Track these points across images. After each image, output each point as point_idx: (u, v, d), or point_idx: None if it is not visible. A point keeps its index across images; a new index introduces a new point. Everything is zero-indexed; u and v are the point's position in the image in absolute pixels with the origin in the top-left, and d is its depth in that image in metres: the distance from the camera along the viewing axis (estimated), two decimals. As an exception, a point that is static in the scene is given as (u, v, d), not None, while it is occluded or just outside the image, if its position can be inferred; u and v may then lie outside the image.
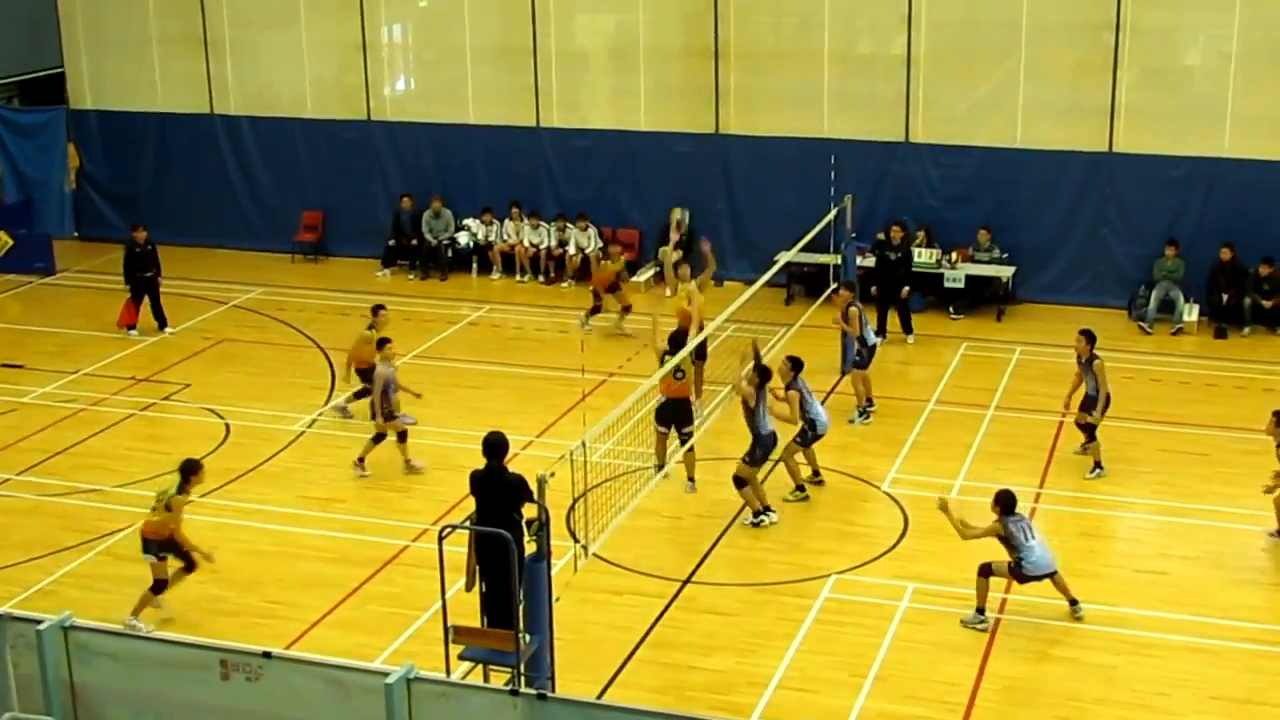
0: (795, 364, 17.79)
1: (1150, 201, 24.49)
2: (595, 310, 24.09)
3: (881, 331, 22.95)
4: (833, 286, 22.13)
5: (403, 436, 18.70)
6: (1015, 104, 24.96)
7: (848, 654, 14.48)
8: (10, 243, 28.22)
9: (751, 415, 17.27)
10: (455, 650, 12.51)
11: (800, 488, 17.83)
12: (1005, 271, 24.81)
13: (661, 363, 16.91)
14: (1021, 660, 14.44)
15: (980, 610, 14.92)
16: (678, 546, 16.81)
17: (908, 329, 23.54)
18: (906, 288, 23.48)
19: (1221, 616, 15.13)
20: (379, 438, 18.67)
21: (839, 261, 22.53)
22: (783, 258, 22.11)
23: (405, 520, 17.43)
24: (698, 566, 16.31)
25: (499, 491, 12.72)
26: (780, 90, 26.11)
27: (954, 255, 24.88)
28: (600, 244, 26.86)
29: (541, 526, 12.23)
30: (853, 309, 20.20)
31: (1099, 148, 24.56)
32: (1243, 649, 14.64)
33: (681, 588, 15.87)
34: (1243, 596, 15.66)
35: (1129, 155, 24.43)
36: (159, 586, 15.12)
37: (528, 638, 12.34)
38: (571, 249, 26.94)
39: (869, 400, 20.32)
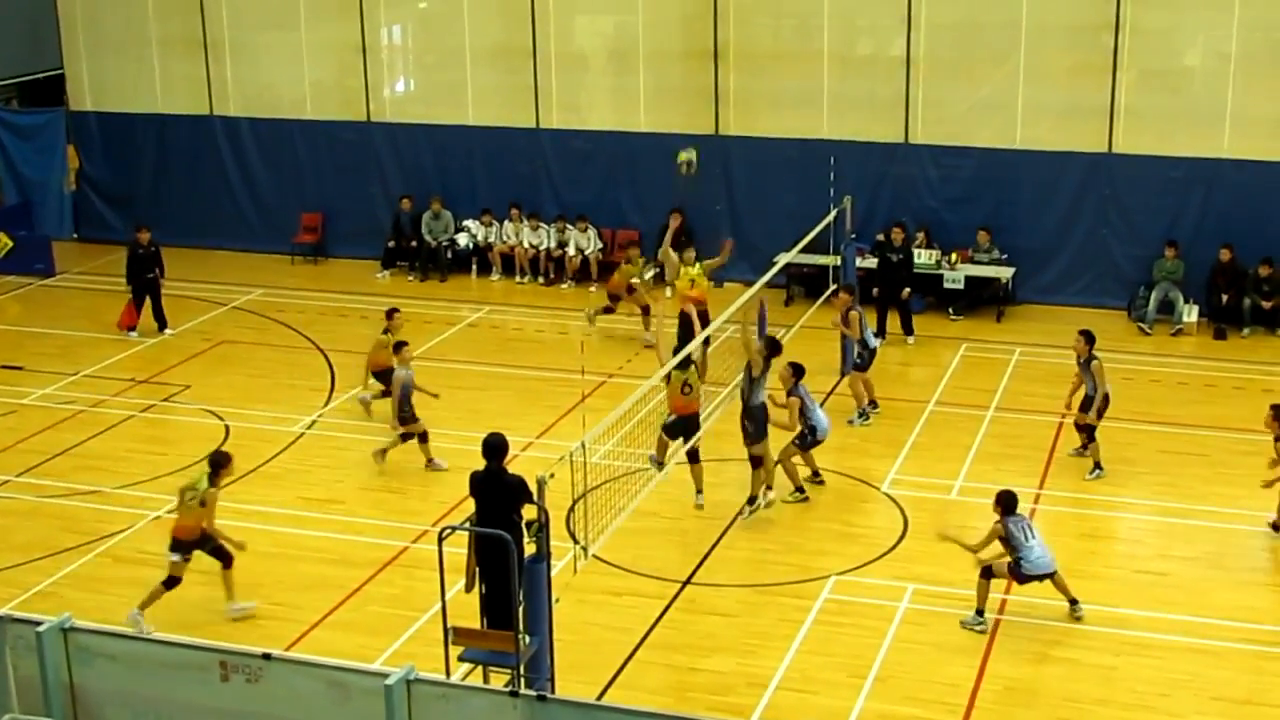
0: (797, 370, 17.76)
1: (1149, 202, 24.50)
2: (608, 310, 24.00)
3: (881, 333, 22.98)
4: (832, 288, 22.13)
5: (424, 437, 18.71)
6: (1015, 105, 24.97)
7: (848, 655, 14.48)
8: (10, 244, 28.23)
9: (750, 383, 17.39)
10: (455, 651, 12.51)
11: (799, 489, 17.82)
12: (1005, 272, 24.82)
13: (667, 379, 16.79)
14: (1021, 661, 14.44)
15: (979, 612, 14.92)
16: (678, 547, 16.81)
17: (908, 330, 23.55)
18: (907, 289, 23.50)
19: (1222, 617, 15.13)
20: (406, 437, 18.71)
21: (838, 263, 22.53)
22: (782, 259, 22.10)
23: (405, 521, 17.43)
24: (698, 567, 16.31)
25: (499, 493, 12.72)
26: (780, 91, 26.12)
27: (953, 256, 24.89)
28: (600, 245, 26.88)
29: (541, 528, 12.23)
30: (853, 312, 20.20)
31: (1098, 149, 24.57)
32: (1243, 650, 14.65)
33: (681, 589, 15.87)
34: (1243, 597, 15.66)
35: (1128, 156, 24.44)
36: (172, 583, 15.14)
37: (527, 639, 12.34)
38: (571, 250, 26.94)
39: (872, 402, 20.33)
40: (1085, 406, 18.45)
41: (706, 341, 20.09)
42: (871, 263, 24.01)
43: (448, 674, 12.31)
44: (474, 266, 27.69)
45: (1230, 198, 23.98)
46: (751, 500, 17.70)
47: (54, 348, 23.85)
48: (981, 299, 24.82)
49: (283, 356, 23.45)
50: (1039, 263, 25.09)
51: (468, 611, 12.92)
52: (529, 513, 12.52)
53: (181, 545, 15.12)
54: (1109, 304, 24.64)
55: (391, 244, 27.90)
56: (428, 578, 14.40)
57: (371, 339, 20.76)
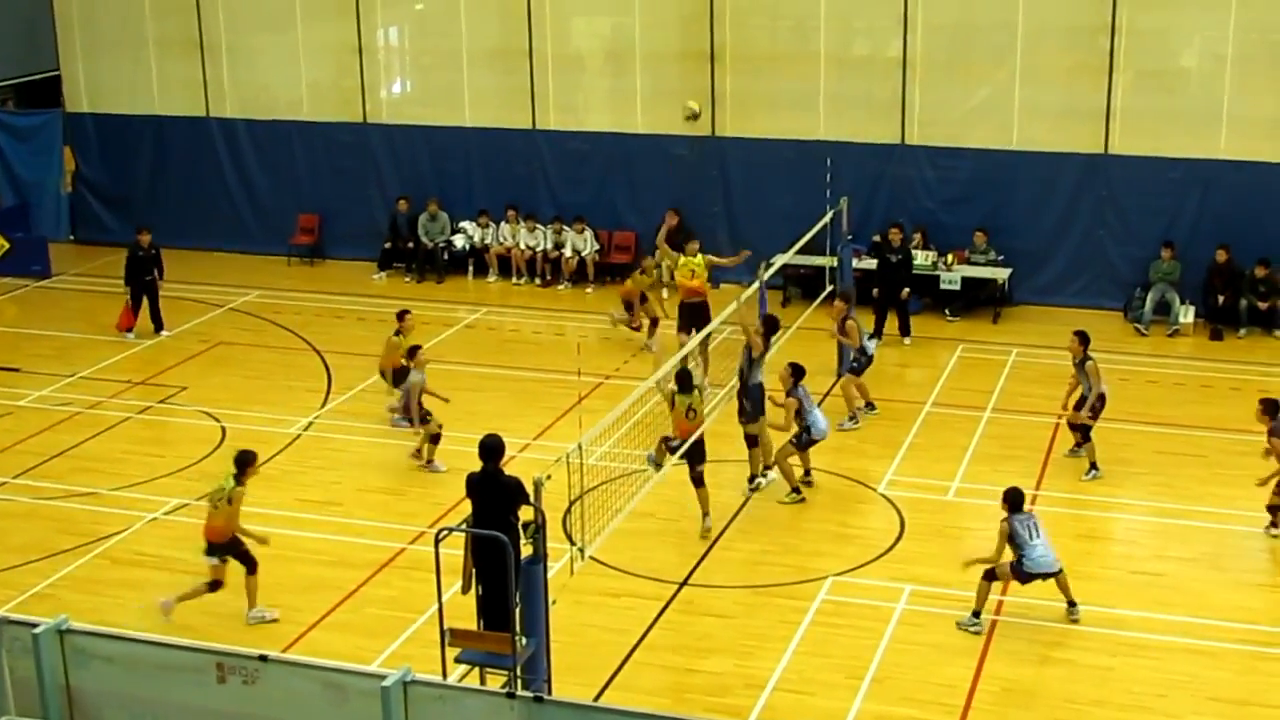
0: (796, 371, 17.81)
1: (1146, 203, 24.52)
2: (629, 308, 23.67)
3: (878, 333, 23.05)
4: (829, 289, 22.15)
5: (436, 439, 18.73)
6: (1011, 106, 24.99)
7: (845, 656, 14.48)
8: (6, 246, 28.22)
9: (749, 363, 17.37)
10: (452, 653, 12.52)
11: (795, 490, 17.84)
12: (1001, 273, 24.83)
13: (671, 403, 16.75)
14: (1019, 662, 14.44)
15: (976, 614, 14.92)
16: (675, 549, 16.80)
17: (905, 331, 23.56)
18: (907, 289, 23.53)
19: (1218, 618, 15.14)
20: (436, 438, 18.74)
21: (835, 264, 22.54)
22: (779, 260, 22.11)
23: (402, 523, 17.43)
24: (695, 569, 16.30)
25: (495, 494, 12.72)
26: (776, 93, 26.13)
27: (950, 257, 24.90)
28: (597, 246, 26.89)
29: (538, 529, 12.24)
30: (850, 321, 20.18)
31: (1095, 150, 24.59)
32: (1240, 650, 14.65)
33: (678, 590, 15.87)
34: (1240, 598, 15.67)
35: (1125, 157, 24.46)
36: (215, 586, 15.17)
37: (524, 640, 12.34)
38: (568, 252, 26.94)
39: (869, 404, 20.33)
40: (1080, 406, 18.49)
41: (709, 319, 20.20)
42: (869, 264, 24.02)
43: (444, 675, 12.31)
44: (470, 268, 27.69)
45: (1226, 199, 24.00)
46: (752, 479, 17.98)
47: (50, 349, 23.84)
48: (978, 300, 24.83)
49: (279, 358, 23.44)
50: (1035, 264, 25.11)
51: (465, 613, 12.92)
52: (526, 514, 12.52)
53: (215, 548, 15.14)
54: (1105, 305, 24.66)
55: (388, 245, 27.90)
56: (425, 579, 14.40)
57: (382, 341, 20.77)
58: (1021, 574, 14.88)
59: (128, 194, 29.92)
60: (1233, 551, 16.82)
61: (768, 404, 17.60)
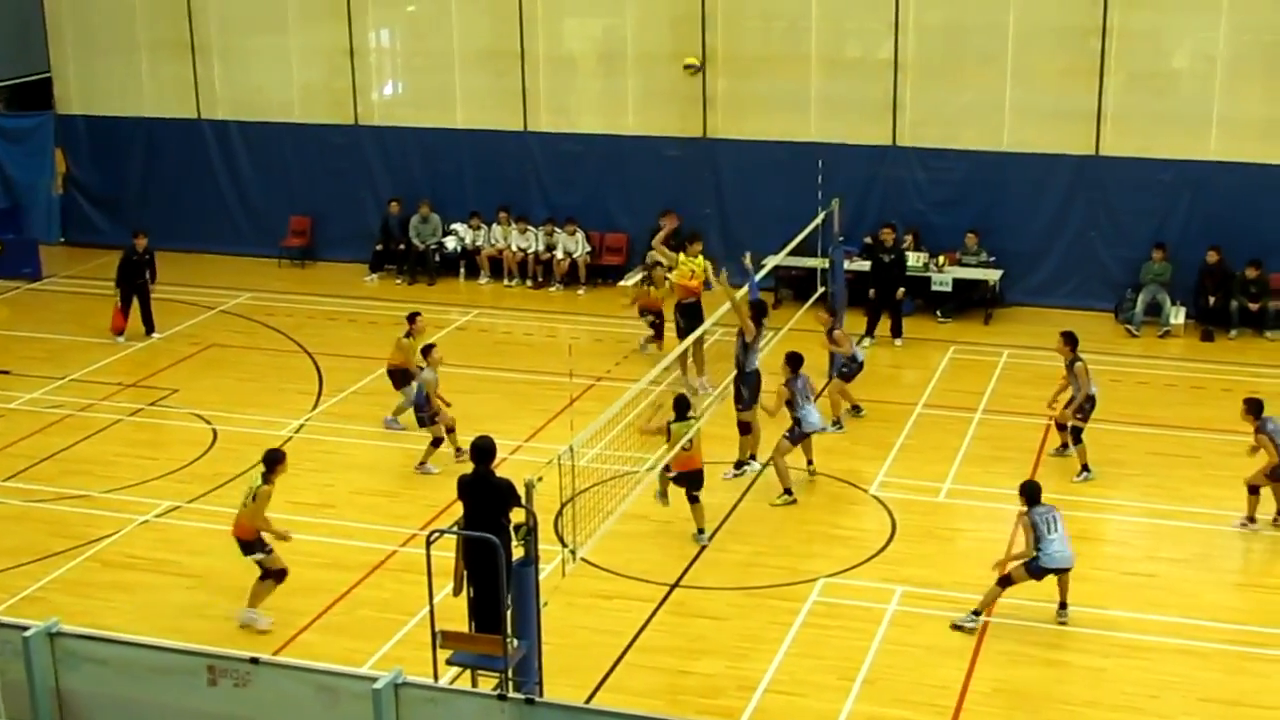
0: (792, 361, 17.93)
1: (1137, 205, 24.55)
2: (654, 327, 23.47)
3: (870, 332, 23.11)
4: (819, 291, 22.18)
5: (437, 443, 18.73)
6: (1002, 108, 25.03)
7: (837, 657, 14.49)
8: (-2, 248, 28.21)
9: (744, 349, 17.49)
10: (443, 655, 12.51)
11: (788, 491, 17.84)
12: (993, 275, 24.85)
13: (667, 433, 16.64)
14: (1011, 663, 14.45)
15: (976, 613, 14.91)
16: (666, 550, 16.80)
17: (897, 333, 23.58)
18: (902, 289, 23.56)
19: (1210, 619, 15.16)
20: (438, 442, 18.75)
21: (827, 265, 22.56)
22: (771, 261, 22.12)
23: (393, 525, 17.42)
24: (686, 570, 16.31)
25: (487, 496, 12.72)
26: (768, 94, 26.15)
27: (941, 259, 24.92)
28: (588, 248, 26.89)
29: (529, 531, 12.23)
30: (837, 331, 20.19)
31: (1086, 151, 24.62)
32: (1231, 651, 14.67)
33: (670, 592, 15.87)
34: (1231, 599, 15.71)
35: (1116, 159, 24.49)
36: (280, 576, 15.19)
37: (516, 642, 12.34)
38: (559, 253, 26.94)
39: (855, 406, 20.32)
40: (1070, 407, 18.55)
41: (703, 321, 20.21)
42: (860, 266, 24.04)
43: (436, 678, 12.30)
44: (462, 270, 27.68)
45: (1217, 200, 24.04)
46: (739, 464, 18.20)
47: (41, 352, 23.81)
48: (970, 301, 24.86)
49: (271, 360, 23.43)
50: (1027, 265, 25.14)
51: (456, 615, 12.91)
52: (517, 516, 12.52)
53: (245, 545, 15.13)
54: (1097, 306, 24.69)
55: (380, 247, 27.89)
56: (416, 581, 14.35)
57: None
58: (1037, 570, 14.85)
59: (119, 196, 29.90)
60: (1224, 552, 16.85)
61: (763, 391, 17.75)
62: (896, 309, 23.61)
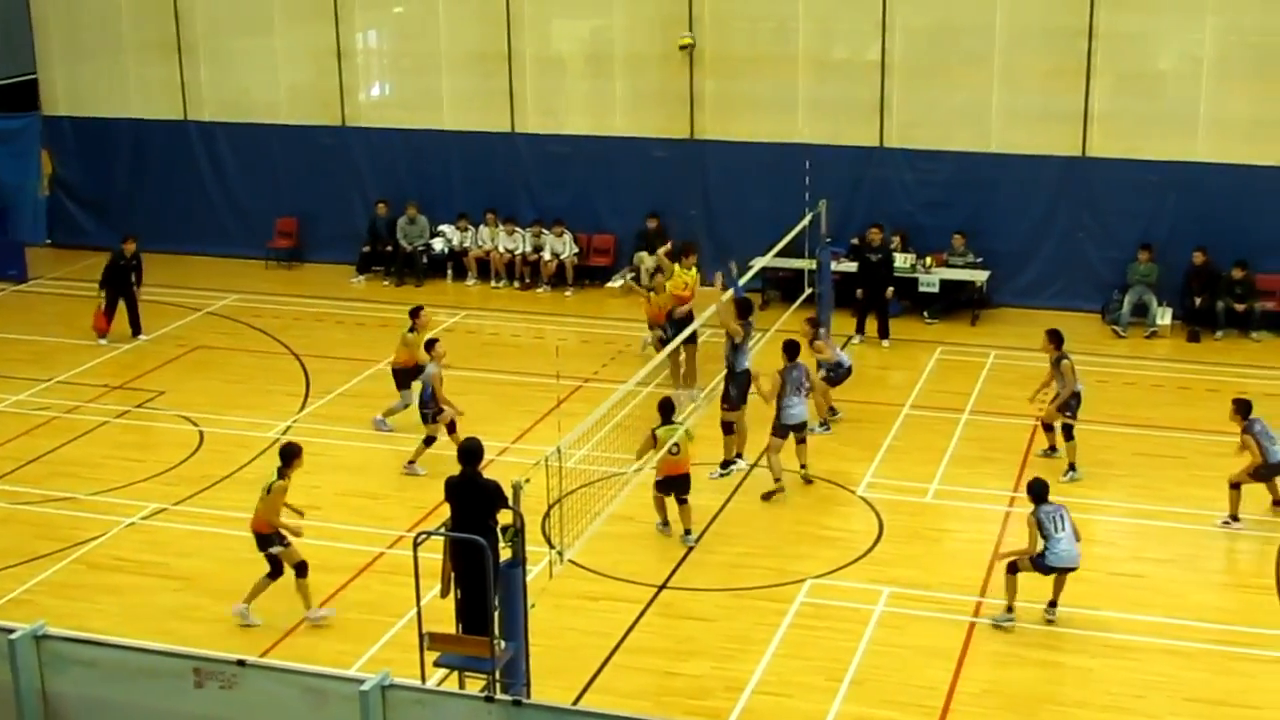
0: (789, 349, 18.18)
1: (1124, 206, 24.60)
2: (663, 341, 23.44)
3: (859, 329, 23.20)
4: (807, 292, 22.19)
5: (430, 441, 18.71)
6: (990, 109, 25.07)
7: (824, 658, 14.50)
8: (-16, 250, 28.14)
9: (734, 350, 17.60)
10: (431, 657, 12.50)
11: (777, 479, 17.92)
12: (980, 276, 24.88)
13: (653, 440, 16.57)
14: (998, 664, 14.47)
15: (1009, 609, 14.96)
16: (654, 552, 16.80)
17: (884, 334, 23.61)
18: (891, 289, 23.60)
19: (1196, 619, 15.19)
20: (430, 440, 18.73)
21: (814, 266, 22.58)
22: (758, 263, 22.12)
23: (381, 527, 17.40)
24: (674, 571, 16.31)
25: (474, 497, 12.72)
26: (756, 95, 26.16)
27: (929, 260, 24.95)
28: (575, 249, 26.86)
29: (517, 532, 12.23)
30: (819, 342, 20.20)
31: (1073, 152, 24.67)
32: (1217, 651, 14.70)
33: (658, 593, 15.87)
34: (1217, 599, 15.74)
35: (1103, 160, 24.54)
36: (302, 569, 15.17)
37: (503, 644, 12.33)
38: (547, 255, 26.92)
39: (831, 409, 20.29)
40: (1060, 406, 18.59)
41: (694, 338, 20.17)
42: (848, 267, 24.06)
43: (423, 679, 12.29)
44: (449, 271, 27.66)
45: (1204, 201, 24.09)
46: (725, 464, 18.31)
47: (27, 353, 23.75)
48: (957, 302, 24.89)
49: (258, 362, 23.39)
50: (1014, 266, 25.17)
51: (444, 617, 12.91)
52: (504, 518, 12.51)
53: (262, 539, 15.13)
54: (1083, 307, 24.73)
55: (367, 249, 27.86)
56: (404, 583, 14.38)
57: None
58: (1044, 567, 14.92)
59: (106, 198, 29.85)
60: (1210, 553, 16.89)
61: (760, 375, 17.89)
62: (884, 310, 23.65)
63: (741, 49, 26.30)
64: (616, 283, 26.27)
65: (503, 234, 27.19)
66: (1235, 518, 17.08)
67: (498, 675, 12.30)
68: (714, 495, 17.97)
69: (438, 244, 27.55)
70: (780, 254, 22.17)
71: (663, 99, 26.49)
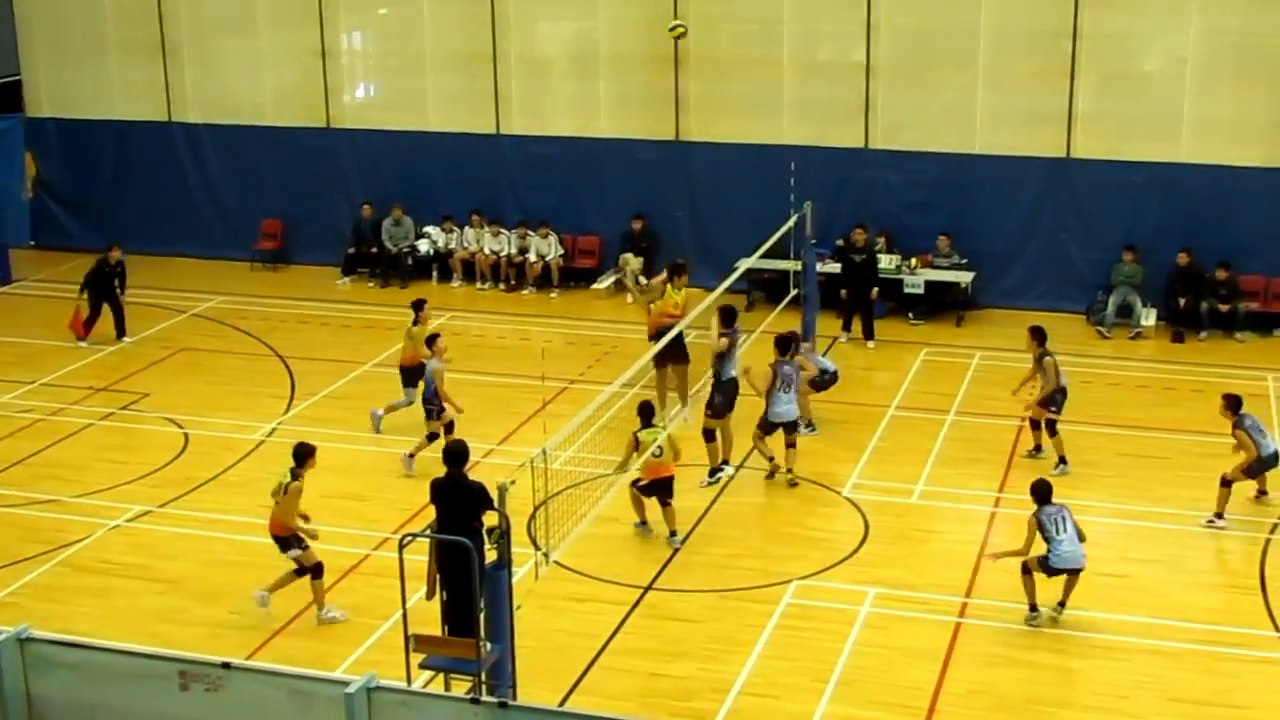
0: (780, 343, 18.35)
1: (1108, 207, 24.66)
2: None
3: (846, 327, 23.26)
4: (792, 293, 22.21)
5: (433, 438, 18.66)
6: (974, 110, 25.11)
7: (810, 659, 14.51)
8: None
9: (720, 358, 17.98)
10: (416, 659, 12.49)
11: (770, 459, 18.10)
12: (965, 277, 24.92)
13: (635, 444, 16.59)
14: (983, 664, 14.49)
15: (1034, 608, 15.02)
16: (640, 553, 16.80)
17: (869, 335, 23.64)
18: (876, 289, 23.64)
19: (1181, 619, 15.23)
20: (433, 437, 18.65)
21: (799, 268, 22.59)
22: (743, 264, 22.13)
23: (366, 529, 17.38)
24: (660, 573, 16.30)
25: (460, 499, 12.71)
26: (741, 97, 26.18)
27: (914, 261, 24.99)
28: (561, 251, 26.85)
29: (502, 534, 12.22)
30: (800, 357, 20.18)
31: (1058, 154, 24.72)
32: (1202, 651, 14.74)
33: (644, 594, 15.87)
34: (1202, 599, 15.78)
35: (1087, 161, 24.59)
36: (318, 571, 15.17)
37: (489, 646, 12.32)
38: (532, 256, 26.91)
39: (809, 423, 20.24)
40: (1044, 403, 18.66)
41: (686, 359, 19.99)
42: (833, 268, 24.09)
43: (409, 681, 12.28)
44: (435, 273, 27.63)
45: (1188, 202, 24.15)
46: (713, 472, 18.30)
47: (11, 356, 23.68)
48: (942, 303, 24.93)
49: (243, 364, 23.34)
50: (999, 267, 25.21)
51: (429, 619, 12.90)
52: (490, 519, 12.50)
53: (282, 542, 15.14)
54: (1068, 308, 24.78)
55: (352, 250, 27.82)
56: (389, 585, 14.36)
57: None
58: (1048, 568, 14.96)
59: (90, 199, 29.77)
60: (1195, 553, 16.93)
61: (754, 370, 17.92)
62: (869, 311, 23.69)
63: (726, 50, 26.30)
64: (602, 284, 26.27)
65: (488, 235, 27.17)
66: (1220, 515, 17.13)
67: (484, 677, 12.29)
68: (700, 497, 17.98)
69: (423, 245, 27.52)
70: (765, 255, 22.14)
71: (648, 100, 26.49)
